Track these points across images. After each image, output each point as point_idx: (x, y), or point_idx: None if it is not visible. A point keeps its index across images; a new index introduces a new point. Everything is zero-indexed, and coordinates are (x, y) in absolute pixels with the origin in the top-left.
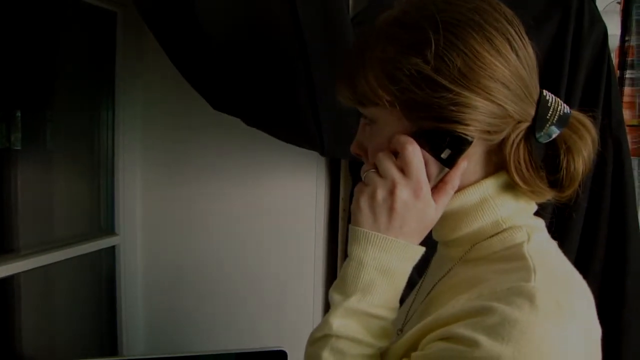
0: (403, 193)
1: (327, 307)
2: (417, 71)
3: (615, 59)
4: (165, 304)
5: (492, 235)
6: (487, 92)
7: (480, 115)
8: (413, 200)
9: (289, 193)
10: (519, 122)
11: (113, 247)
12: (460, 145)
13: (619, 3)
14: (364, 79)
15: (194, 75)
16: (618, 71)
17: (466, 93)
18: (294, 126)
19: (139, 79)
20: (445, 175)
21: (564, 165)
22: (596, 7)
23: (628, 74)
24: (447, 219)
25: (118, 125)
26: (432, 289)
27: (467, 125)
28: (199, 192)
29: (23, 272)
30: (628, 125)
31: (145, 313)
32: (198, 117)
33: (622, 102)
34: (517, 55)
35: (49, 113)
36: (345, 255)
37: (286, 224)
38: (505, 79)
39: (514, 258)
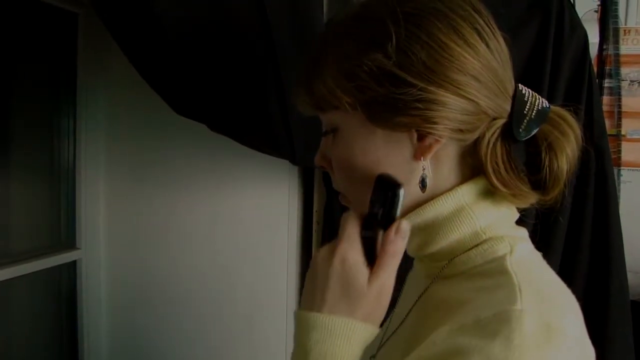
0: (322, 251)
1: None
2: (377, 67)
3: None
4: (130, 323)
5: (471, 248)
6: (456, 87)
7: (450, 112)
8: (328, 257)
9: (260, 205)
10: (494, 119)
11: (74, 262)
12: (389, 198)
13: (596, 12)
14: (321, 80)
15: (155, 77)
16: (597, 80)
17: (432, 88)
18: (263, 132)
19: (101, 83)
20: (384, 237)
21: (547, 163)
22: (576, 12)
23: (606, 83)
24: (421, 232)
25: (80, 132)
26: (409, 312)
27: (435, 123)
28: (166, 203)
29: None
30: (608, 135)
31: (108, 333)
32: (165, 123)
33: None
34: (487, 45)
35: (5, 119)
36: None
37: (257, 238)
38: (476, 72)
39: (496, 273)
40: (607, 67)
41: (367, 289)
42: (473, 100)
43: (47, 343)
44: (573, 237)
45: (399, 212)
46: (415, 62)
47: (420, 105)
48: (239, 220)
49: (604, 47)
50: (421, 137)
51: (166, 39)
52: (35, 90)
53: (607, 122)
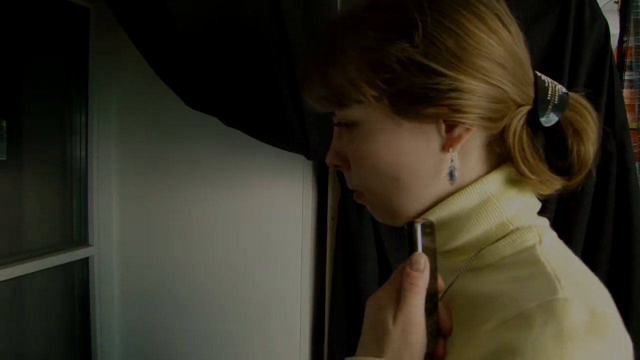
0: (370, 297)
1: (315, 320)
2: (405, 57)
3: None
4: (143, 320)
5: (499, 239)
6: (484, 74)
7: (480, 101)
8: (370, 301)
9: (274, 201)
10: (520, 106)
11: (87, 259)
12: (407, 234)
13: (616, 2)
14: (341, 72)
15: (167, 70)
16: (617, 73)
17: (461, 77)
18: (276, 126)
19: (114, 79)
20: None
21: (575, 149)
22: (597, 2)
23: (627, 75)
24: (446, 226)
25: (91, 129)
26: None
27: (464, 113)
28: (179, 199)
29: None
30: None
31: (121, 329)
32: (178, 119)
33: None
34: (509, 31)
35: (17, 116)
36: (333, 265)
37: (271, 234)
38: (502, 58)
39: (528, 263)
40: (628, 60)
41: (392, 327)
42: (500, 88)
43: (60, 337)
44: (594, 233)
45: (419, 246)
46: (443, 50)
47: (449, 95)
48: (253, 216)
49: (625, 39)
50: (449, 128)
51: (178, 31)
52: (46, 86)
53: (628, 116)
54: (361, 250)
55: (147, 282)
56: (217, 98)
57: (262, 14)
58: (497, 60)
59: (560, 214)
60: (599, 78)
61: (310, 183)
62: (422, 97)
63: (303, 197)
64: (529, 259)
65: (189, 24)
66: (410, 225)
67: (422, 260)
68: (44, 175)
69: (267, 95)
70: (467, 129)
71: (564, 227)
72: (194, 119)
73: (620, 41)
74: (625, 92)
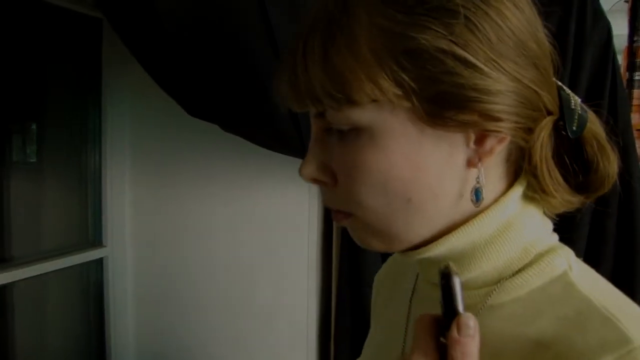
0: None
1: (322, 320)
2: (443, 49)
3: (623, 61)
4: (156, 319)
5: (524, 267)
6: (523, 76)
7: (519, 107)
8: None
9: (281, 205)
10: (548, 114)
11: (101, 259)
12: (444, 291)
13: (626, 2)
14: (353, 60)
15: (165, 79)
16: (627, 73)
17: (503, 78)
18: (272, 129)
19: (126, 87)
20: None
21: (601, 164)
22: (599, 3)
23: (637, 75)
24: (458, 255)
25: (105, 134)
26: None
27: (503, 121)
28: (190, 202)
29: (6, 284)
30: (637, 130)
31: (135, 328)
32: (188, 125)
33: (631, 104)
34: (542, 26)
35: (35, 124)
36: (339, 268)
37: (278, 237)
38: (537, 59)
39: (569, 297)
40: (638, 59)
41: None
42: (536, 92)
43: (75, 336)
44: (596, 242)
45: (460, 305)
46: (485, 44)
47: (489, 99)
48: (260, 219)
49: (635, 38)
50: (480, 139)
51: (171, 41)
52: (62, 95)
53: (638, 117)
54: (366, 253)
55: (160, 281)
56: (213, 103)
57: (251, 22)
58: (534, 60)
59: (560, 221)
60: (601, 79)
61: (316, 187)
62: (459, 101)
63: (309, 201)
64: (568, 292)
65: (181, 33)
66: (448, 279)
67: (472, 324)
68: (61, 178)
69: (260, 98)
70: (500, 141)
71: (563, 236)
72: (204, 124)
73: (631, 41)
74: (636, 92)
